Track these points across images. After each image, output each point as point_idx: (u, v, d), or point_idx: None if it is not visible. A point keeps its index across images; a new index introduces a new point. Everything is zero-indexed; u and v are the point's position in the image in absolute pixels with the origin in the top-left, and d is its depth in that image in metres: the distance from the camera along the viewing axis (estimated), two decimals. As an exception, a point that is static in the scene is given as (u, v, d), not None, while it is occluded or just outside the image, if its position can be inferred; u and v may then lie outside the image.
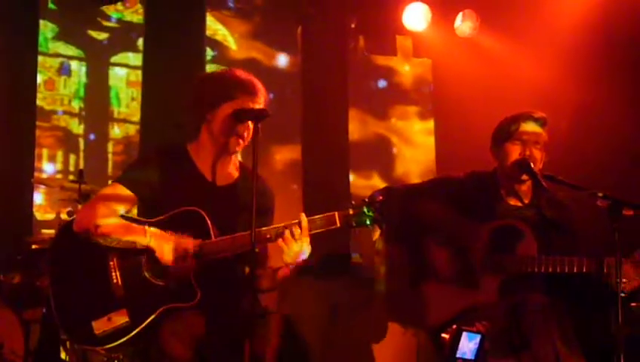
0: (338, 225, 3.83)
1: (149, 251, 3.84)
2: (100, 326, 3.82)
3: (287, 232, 3.81)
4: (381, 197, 3.81)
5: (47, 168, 9.01)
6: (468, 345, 4.09)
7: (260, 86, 4.10)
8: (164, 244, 3.80)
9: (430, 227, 4.59)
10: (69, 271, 3.98)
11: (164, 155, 4.11)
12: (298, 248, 3.83)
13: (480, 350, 4.10)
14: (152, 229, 3.85)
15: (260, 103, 4.03)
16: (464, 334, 4.07)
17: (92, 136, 9.23)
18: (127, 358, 5.26)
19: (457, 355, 4.06)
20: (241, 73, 4.14)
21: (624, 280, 4.17)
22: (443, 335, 4.15)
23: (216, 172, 4.08)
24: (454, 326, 4.10)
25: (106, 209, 3.94)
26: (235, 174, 4.15)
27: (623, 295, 4.12)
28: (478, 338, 4.10)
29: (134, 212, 4.13)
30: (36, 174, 8.28)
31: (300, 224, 3.81)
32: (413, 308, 4.37)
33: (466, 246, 4.51)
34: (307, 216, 3.86)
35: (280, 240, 3.82)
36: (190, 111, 4.09)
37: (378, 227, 3.91)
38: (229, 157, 4.09)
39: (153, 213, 3.96)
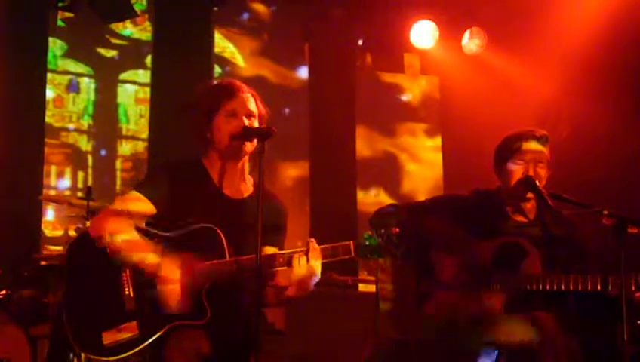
0: (353, 254, 3.82)
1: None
2: (109, 336, 3.82)
3: (295, 260, 3.81)
4: (397, 230, 3.80)
5: (60, 184, 9.04)
6: None
7: (239, 85, 4.11)
8: (170, 272, 3.80)
9: (436, 244, 4.58)
10: (82, 280, 3.97)
11: (181, 167, 4.11)
12: (308, 273, 3.83)
13: None
14: (155, 258, 3.83)
15: (246, 100, 4.04)
16: None
17: (103, 152, 9.27)
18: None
19: None
20: (221, 81, 4.21)
21: None
22: None
23: (229, 185, 4.08)
24: None
25: (122, 216, 3.95)
26: (250, 189, 4.15)
27: None
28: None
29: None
30: (45, 191, 8.31)
31: (309, 251, 3.81)
32: (418, 326, 4.36)
33: (470, 263, 4.51)
34: (317, 241, 3.85)
35: (296, 261, 3.81)
36: (193, 130, 4.11)
37: (392, 259, 3.91)
38: (240, 168, 4.10)
39: (169, 224, 3.96)
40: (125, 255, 3.85)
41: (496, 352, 4.09)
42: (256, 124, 4.04)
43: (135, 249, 3.86)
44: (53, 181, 8.95)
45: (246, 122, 3.99)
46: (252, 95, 4.11)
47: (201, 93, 4.17)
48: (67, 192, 8.91)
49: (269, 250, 4.06)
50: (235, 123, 4.00)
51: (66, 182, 9.10)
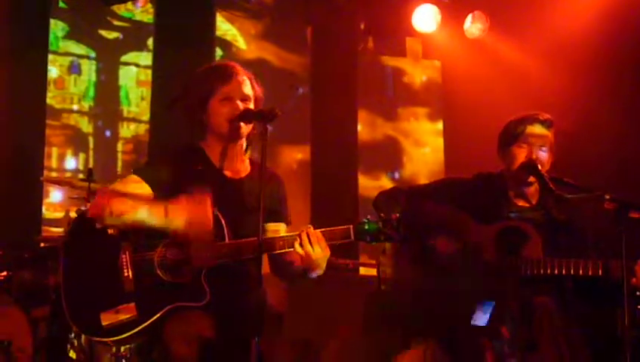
0: (352, 238, 3.83)
1: (166, 245, 3.86)
2: (107, 317, 3.83)
3: (296, 244, 3.82)
4: (398, 215, 3.80)
5: (67, 164, 9.04)
6: None
7: (235, 67, 4.10)
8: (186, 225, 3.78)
9: (436, 228, 4.58)
10: (81, 262, 3.98)
11: (180, 153, 4.14)
12: (314, 256, 3.83)
13: None
14: (173, 210, 3.81)
15: (242, 83, 4.04)
16: None
17: (108, 133, 9.27)
18: (134, 357, 5.29)
19: None
20: (217, 62, 4.21)
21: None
22: None
23: (229, 166, 4.10)
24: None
25: (120, 196, 3.93)
26: (248, 169, 4.16)
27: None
28: None
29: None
30: (46, 172, 8.32)
31: (307, 233, 3.81)
32: (421, 315, 4.36)
33: (472, 247, 4.51)
34: (318, 225, 3.86)
35: (297, 245, 3.81)
36: (188, 115, 4.11)
37: (393, 243, 3.91)
38: (238, 149, 4.10)
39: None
40: (130, 217, 3.84)
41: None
42: (251, 107, 4.04)
43: (140, 208, 3.84)
44: (54, 162, 8.94)
45: (240, 106, 4.00)
46: (247, 77, 4.11)
47: (195, 78, 4.16)
48: (68, 173, 8.90)
49: (274, 226, 4.12)
50: (230, 107, 4.01)
51: (72, 162, 9.10)
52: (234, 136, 4.03)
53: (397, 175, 10.21)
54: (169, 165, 4.05)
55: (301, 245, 3.81)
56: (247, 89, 4.06)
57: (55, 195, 8.60)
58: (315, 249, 3.81)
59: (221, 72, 4.09)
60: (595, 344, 4.35)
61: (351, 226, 3.83)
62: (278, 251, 3.88)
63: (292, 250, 3.85)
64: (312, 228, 3.83)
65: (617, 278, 4.22)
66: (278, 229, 4.16)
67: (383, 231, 3.79)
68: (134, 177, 4.04)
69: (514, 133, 4.64)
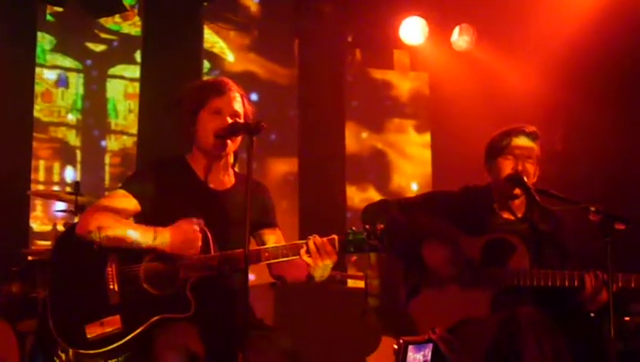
0: (336, 249, 3.83)
1: (152, 259, 3.87)
2: (92, 330, 3.83)
3: (302, 253, 3.82)
4: (382, 226, 3.80)
5: (68, 174, 9.03)
6: (415, 356, 4.11)
7: (229, 83, 4.13)
8: (174, 240, 3.81)
9: (424, 240, 4.59)
10: (68, 275, 3.98)
11: (165, 165, 4.15)
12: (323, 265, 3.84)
13: (435, 357, 4.13)
14: (157, 230, 3.86)
15: (233, 100, 4.06)
16: (410, 347, 4.09)
17: (103, 143, 9.26)
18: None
19: None
20: (213, 78, 4.24)
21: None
22: (394, 346, 4.16)
23: (213, 179, 4.11)
24: (401, 341, 4.10)
25: (108, 213, 3.96)
26: (232, 180, 4.17)
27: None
28: (427, 348, 4.12)
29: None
30: (33, 186, 8.30)
31: (307, 242, 3.83)
32: (407, 323, 4.36)
33: (459, 258, 4.52)
34: (306, 237, 3.86)
35: (304, 255, 3.82)
36: (179, 125, 4.14)
37: (377, 254, 3.91)
38: (223, 164, 4.12)
39: (155, 222, 3.98)
40: (120, 237, 3.86)
41: (431, 345, 4.12)
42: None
43: (129, 230, 3.88)
44: (41, 176, 8.92)
45: (229, 121, 4.01)
46: (240, 94, 4.14)
47: (189, 89, 4.19)
48: (55, 188, 8.88)
49: (271, 232, 4.18)
50: (219, 121, 4.02)
51: (70, 173, 9.09)
52: (219, 152, 4.04)
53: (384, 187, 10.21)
54: (154, 178, 4.06)
55: (308, 253, 3.81)
56: (238, 105, 4.08)
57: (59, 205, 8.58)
58: (323, 259, 3.81)
59: (215, 86, 4.11)
60: (581, 354, 4.36)
61: (335, 237, 3.83)
62: (265, 262, 3.89)
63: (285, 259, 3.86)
64: (317, 237, 3.83)
65: (592, 289, 4.26)
66: (275, 235, 4.20)
67: (368, 243, 3.79)
68: (122, 192, 4.05)
69: (499, 146, 4.66)
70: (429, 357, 4.18)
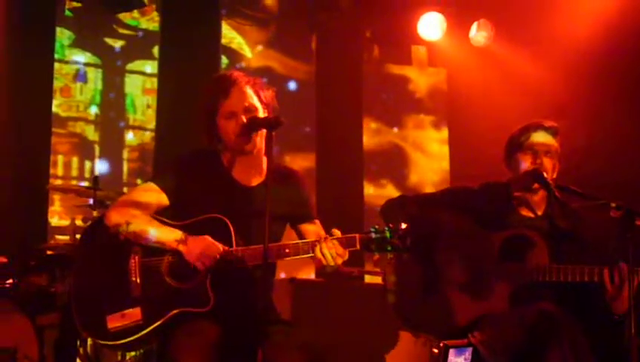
0: (357, 247, 3.81)
1: (175, 254, 3.87)
2: (113, 321, 3.85)
3: (316, 250, 3.80)
4: (405, 225, 3.78)
5: (101, 167, 9.06)
6: (456, 360, 4.09)
7: (234, 79, 4.06)
8: (193, 249, 3.83)
9: (442, 236, 4.58)
10: (92, 266, 4.03)
11: (197, 158, 4.16)
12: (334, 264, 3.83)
13: (476, 360, 4.11)
14: (182, 234, 3.89)
15: (243, 96, 4.02)
16: (451, 351, 4.07)
17: (130, 136, 9.28)
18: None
19: None
20: (218, 75, 4.21)
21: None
22: (434, 350, 4.15)
23: (241, 173, 4.11)
24: (441, 344, 4.09)
25: (138, 207, 3.99)
26: (264, 174, 4.14)
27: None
28: (467, 351, 4.10)
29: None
30: (52, 180, 8.33)
31: (319, 242, 3.81)
32: (424, 318, 4.35)
33: (478, 254, 4.51)
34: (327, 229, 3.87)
35: (318, 251, 3.81)
36: (202, 130, 4.13)
37: (399, 254, 3.90)
38: (254, 158, 4.10)
39: (182, 215, 3.99)
40: (145, 236, 3.88)
41: (471, 348, 4.11)
42: (261, 115, 4.03)
43: (155, 230, 3.92)
44: (60, 170, 8.95)
45: (245, 120, 3.99)
46: (251, 84, 4.07)
47: (201, 94, 4.16)
48: (73, 181, 8.91)
49: (309, 226, 4.17)
50: (234, 123, 4.00)
51: (104, 166, 9.13)
52: (246, 148, 4.03)
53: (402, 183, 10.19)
54: (183, 172, 4.08)
55: (322, 253, 3.80)
56: (251, 99, 4.04)
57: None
58: (335, 258, 3.79)
59: (221, 86, 4.06)
60: (600, 351, 4.34)
61: (357, 235, 3.81)
62: (285, 258, 3.88)
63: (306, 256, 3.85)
64: (329, 238, 3.81)
65: (617, 283, 4.23)
66: (314, 228, 4.18)
67: (390, 241, 3.76)
68: (152, 185, 4.08)
69: (518, 141, 4.65)
70: (469, 361, 4.16)
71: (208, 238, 3.85)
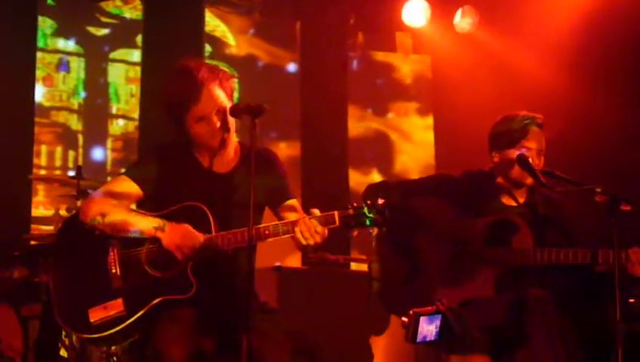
0: (337, 224, 3.80)
1: (153, 242, 3.85)
2: (95, 314, 3.85)
3: (297, 232, 3.79)
4: (383, 200, 3.77)
5: (97, 155, 9.02)
6: (428, 328, 4.09)
7: (199, 76, 3.97)
8: (172, 237, 3.81)
9: (425, 222, 4.58)
10: (71, 260, 4.02)
11: (168, 150, 4.15)
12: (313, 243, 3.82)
13: (443, 328, 4.11)
14: (160, 221, 3.87)
15: (212, 97, 3.97)
16: (422, 318, 4.07)
17: (120, 122, 9.24)
18: (124, 356, 5.28)
19: (418, 340, 4.06)
20: (179, 72, 4.08)
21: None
22: (403, 319, 4.14)
23: (215, 162, 4.08)
24: (411, 312, 4.08)
25: (113, 199, 3.97)
26: (238, 157, 4.13)
27: None
28: (438, 318, 4.10)
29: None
30: (35, 170, 8.29)
31: (298, 223, 3.80)
32: (409, 305, 4.35)
33: (461, 240, 4.51)
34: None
35: (298, 231, 3.79)
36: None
37: (378, 229, 3.89)
38: (226, 146, 4.08)
39: (159, 206, 3.99)
40: (122, 227, 3.88)
41: (440, 316, 4.11)
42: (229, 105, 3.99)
43: (133, 219, 3.90)
44: (43, 160, 8.90)
45: (217, 124, 3.95)
46: (218, 83, 4.00)
47: (166, 90, 4.09)
48: (57, 171, 8.87)
49: (290, 202, 4.16)
50: (208, 126, 3.97)
51: (99, 154, 9.09)
52: (219, 148, 4.03)
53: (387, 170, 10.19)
54: (157, 163, 4.07)
55: (301, 233, 3.79)
56: (220, 99, 3.98)
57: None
58: (314, 236, 3.78)
59: (190, 89, 3.96)
60: (586, 336, 4.35)
61: (335, 212, 3.80)
62: (266, 239, 3.85)
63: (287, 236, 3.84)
64: (307, 218, 3.80)
65: (606, 268, 4.24)
66: (293, 205, 4.17)
67: (368, 216, 3.75)
68: (124, 177, 4.07)
69: (512, 139, 4.61)
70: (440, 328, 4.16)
71: (188, 227, 3.83)
